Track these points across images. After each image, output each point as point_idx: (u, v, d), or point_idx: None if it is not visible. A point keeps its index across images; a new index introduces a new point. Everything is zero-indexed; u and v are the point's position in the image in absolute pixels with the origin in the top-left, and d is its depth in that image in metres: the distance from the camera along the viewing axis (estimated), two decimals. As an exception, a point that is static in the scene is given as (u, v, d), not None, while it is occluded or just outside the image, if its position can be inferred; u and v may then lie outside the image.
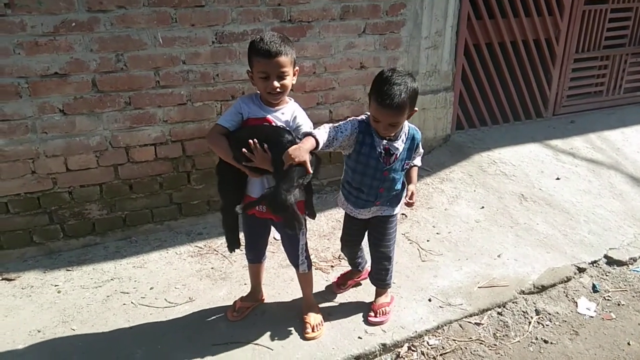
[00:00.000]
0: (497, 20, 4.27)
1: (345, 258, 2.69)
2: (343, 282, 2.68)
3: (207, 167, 3.23)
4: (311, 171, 1.94)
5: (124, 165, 3.06)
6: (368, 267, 2.65)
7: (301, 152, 1.87)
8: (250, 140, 1.99)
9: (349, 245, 2.56)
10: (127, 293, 2.71)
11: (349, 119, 2.18)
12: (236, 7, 3.04)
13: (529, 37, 4.47)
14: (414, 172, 2.37)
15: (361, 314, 2.52)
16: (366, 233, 2.50)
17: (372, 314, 2.49)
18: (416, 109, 2.14)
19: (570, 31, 4.63)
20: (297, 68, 2.12)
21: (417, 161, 2.37)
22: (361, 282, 2.75)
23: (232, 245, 2.37)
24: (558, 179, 3.87)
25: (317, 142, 1.96)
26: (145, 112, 3.01)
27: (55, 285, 2.78)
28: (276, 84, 2.02)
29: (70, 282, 2.80)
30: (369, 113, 2.14)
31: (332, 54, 3.45)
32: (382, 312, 2.49)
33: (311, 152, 1.95)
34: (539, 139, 4.40)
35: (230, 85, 3.17)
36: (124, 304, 2.62)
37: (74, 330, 2.44)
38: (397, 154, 2.19)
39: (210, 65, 3.08)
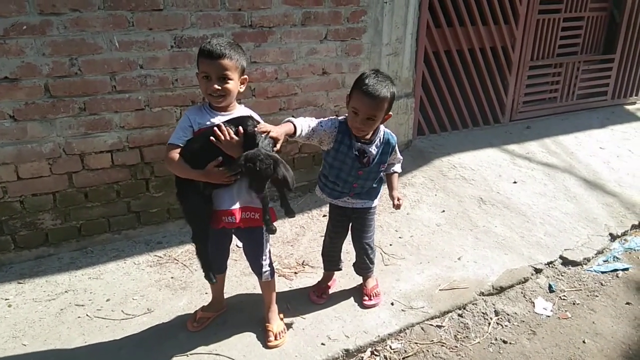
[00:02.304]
0: (456, 28, 4.37)
1: (326, 261, 2.69)
2: (323, 292, 2.68)
3: (166, 174, 3.16)
4: (278, 145, 2.03)
5: (78, 173, 2.96)
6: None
7: (276, 128, 2.03)
8: (222, 125, 2.01)
9: (335, 237, 2.61)
10: (82, 305, 2.61)
11: (331, 117, 2.32)
12: (195, 11, 3.00)
13: (486, 45, 4.60)
14: (395, 180, 2.51)
15: (323, 321, 2.51)
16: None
17: (366, 297, 2.63)
18: (390, 113, 2.26)
19: (525, 39, 4.79)
20: (245, 76, 2.14)
21: (397, 168, 2.51)
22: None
23: (213, 277, 2.27)
24: (515, 182, 3.98)
25: (295, 128, 2.12)
26: (101, 118, 2.92)
27: (6, 299, 2.65)
28: (217, 86, 2.03)
29: (21, 296, 2.68)
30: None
31: (294, 60, 3.45)
32: (375, 294, 2.64)
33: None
34: (496, 144, 4.52)
35: (190, 91, 3.12)
36: (79, 317, 2.52)
37: (25, 345, 2.33)
38: (370, 157, 2.31)
39: (169, 70, 3.02)
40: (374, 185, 2.43)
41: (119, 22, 2.81)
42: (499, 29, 4.60)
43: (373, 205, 2.51)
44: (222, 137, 1.99)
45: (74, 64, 2.77)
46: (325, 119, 2.30)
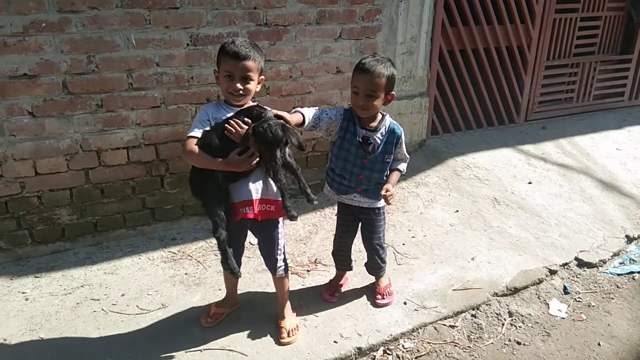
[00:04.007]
0: (471, 27, 4.35)
1: (336, 260, 2.71)
2: (335, 290, 2.68)
3: (181, 171, 3.19)
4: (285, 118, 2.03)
5: (95, 169, 3.00)
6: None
7: (288, 115, 2.05)
8: (232, 119, 2.04)
9: (344, 236, 2.61)
10: (98, 300, 2.64)
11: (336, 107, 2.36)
12: (211, 9, 3.02)
13: (502, 44, 4.56)
14: (394, 176, 2.40)
15: (336, 319, 2.51)
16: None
17: (379, 296, 2.62)
18: (393, 93, 2.27)
19: (541, 39, 4.74)
20: (262, 77, 2.19)
21: (402, 166, 2.44)
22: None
23: (237, 269, 2.24)
24: (530, 183, 3.95)
25: (304, 117, 2.15)
26: (117, 115, 2.95)
27: (23, 293, 2.69)
28: (239, 85, 2.07)
29: (38, 289, 2.72)
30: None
31: (309, 58, 3.46)
32: (388, 293, 2.64)
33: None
34: (511, 144, 4.49)
35: (205, 88, 3.14)
36: (94, 311, 2.55)
37: (41, 338, 2.37)
38: (375, 145, 2.31)
39: (185, 67, 3.05)
40: (383, 179, 2.39)
41: (136, 20, 2.84)
42: (515, 28, 4.57)
43: (381, 205, 2.49)
44: (233, 130, 2.02)
45: (92, 61, 2.81)
46: (331, 108, 2.31)
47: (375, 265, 2.65)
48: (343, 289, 2.73)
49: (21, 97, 2.71)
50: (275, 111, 2.05)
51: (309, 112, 2.21)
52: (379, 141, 2.32)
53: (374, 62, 2.18)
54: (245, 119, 2.05)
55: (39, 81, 2.72)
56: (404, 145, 2.41)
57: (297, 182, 2.20)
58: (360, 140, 2.30)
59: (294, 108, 3.43)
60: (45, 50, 2.69)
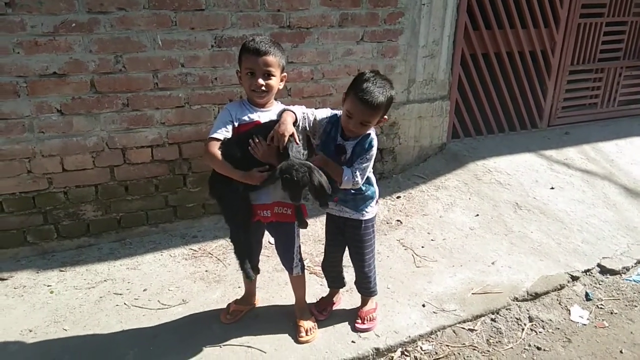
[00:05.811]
0: (494, 31, 4.32)
1: (325, 277, 2.62)
2: (324, 308, 2.57)
3: (203, 170, 3.23)
4: (298, 142, 2.06)
5: (120, 167, 3.06)
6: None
7: (287, 125, 2.01)
8: (254, 137, 2.05)
9: (329, 251, 2.52)
10: (120, 294, 2.69)
11: (327, 108, 2.27)
12: (236, 11, 3.06)
13: (525, 48, 4.52)
14: (335, 166, 2.15)
15: (354, 319, 2.51)
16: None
17: (359, 321, 2.48)
18: (386, 117, 2.17)
19: (565, 43, 4.69)
20: (285, 74, 2.19)
21: (346, 173, 2.14)
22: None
23: (253, 270, 2.31)
24: (552, 188, 3.90)
25: (295, 115, 2.09)
26: (142, 114, 3.02)
27: (48, 286, 2.76)
28: (261, 81, 2.08)
29: (63, 283, 2.79)
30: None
31: (330, 61, 3.48)
32: (369, 318, 2.49)
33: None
34: (533, 149, 4.44)
35: (229, 89, 3.19)
36: (117, 305, 2.60)
37: (65, 330, 2.42)
38: (346, 155, 2.19)
39: (209, 68, 3.10)
40: (362, 189, 2.25)
41: (163, 22, 2.90)
42: (539, 32, 4.52)
43: (365, 218, 2.32)
44: (257, 150, 2.04)
45: (119, 61, 2.87)
46: (321, 109, 2.23)
47: (363, 285, 2.50)
48: (335, 307, 2.60)
49: (50, 95, 2.79)
50: (277, 132, 2.00)
51: (296, 109, 2.11)
52: (350, 151, 2.19)
53: (374, 92, 2.02)
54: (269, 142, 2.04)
55: (68, 80, 2.80)
56: (367, 162, 2.17)
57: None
58: (334, 148, 2.19)
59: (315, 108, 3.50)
60: (75, 50, 2.77)
